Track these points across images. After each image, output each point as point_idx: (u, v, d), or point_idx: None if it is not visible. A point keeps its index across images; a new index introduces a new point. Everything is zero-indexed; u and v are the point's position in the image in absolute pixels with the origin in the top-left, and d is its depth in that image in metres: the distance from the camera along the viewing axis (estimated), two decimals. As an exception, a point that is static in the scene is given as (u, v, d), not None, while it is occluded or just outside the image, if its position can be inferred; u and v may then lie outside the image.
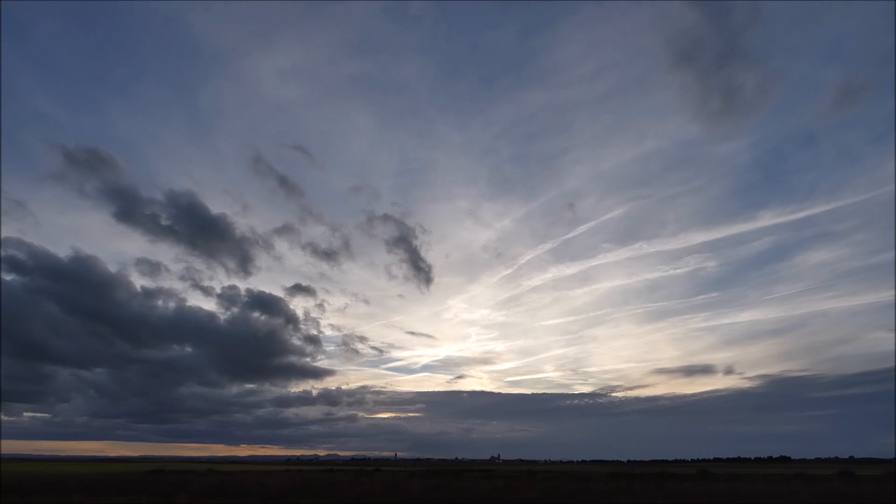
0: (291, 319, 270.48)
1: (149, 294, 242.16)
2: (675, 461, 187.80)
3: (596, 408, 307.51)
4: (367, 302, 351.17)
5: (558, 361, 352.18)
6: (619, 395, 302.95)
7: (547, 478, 47.99)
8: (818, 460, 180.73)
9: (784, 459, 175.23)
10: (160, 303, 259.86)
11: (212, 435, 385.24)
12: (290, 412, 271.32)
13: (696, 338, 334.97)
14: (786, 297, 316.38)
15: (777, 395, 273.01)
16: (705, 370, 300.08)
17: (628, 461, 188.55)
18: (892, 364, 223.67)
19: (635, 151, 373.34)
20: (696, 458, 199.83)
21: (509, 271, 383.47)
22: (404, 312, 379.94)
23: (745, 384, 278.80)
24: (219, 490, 28.33)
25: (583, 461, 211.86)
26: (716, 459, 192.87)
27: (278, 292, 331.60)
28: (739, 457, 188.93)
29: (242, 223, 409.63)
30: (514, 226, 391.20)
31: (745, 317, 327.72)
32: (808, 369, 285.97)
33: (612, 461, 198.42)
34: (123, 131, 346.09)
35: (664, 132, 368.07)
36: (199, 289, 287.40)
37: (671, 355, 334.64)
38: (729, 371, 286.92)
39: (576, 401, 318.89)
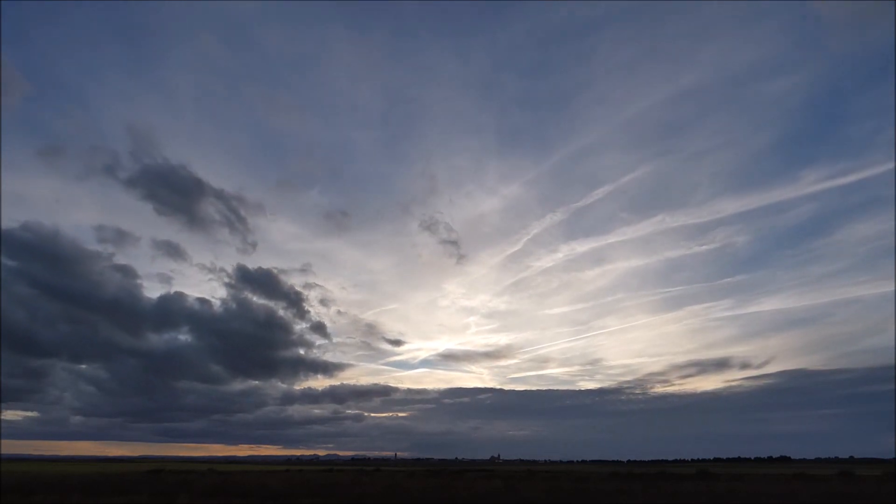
0: (287, 306, 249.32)
1: (127, 273, 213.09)
2: (675, 461, 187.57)
3: (601, 406, 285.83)
4: (361, 286, 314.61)
5: (564, 356, 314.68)
6: (627, 392, 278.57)
7: (547, 478, 47.97)
8: (818, 460, 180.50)
9: (784, 459, 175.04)
10: (142, 283, 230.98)
11: (211, 435, 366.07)
12: (291, 412, 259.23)
13: (714, 328, 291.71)
14: (818, 279, 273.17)
15: (782, 393, 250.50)
16: (720, 365, 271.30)
17: (628, 461, 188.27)
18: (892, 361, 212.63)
19: (668, 89, 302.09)
20: (695, 458, 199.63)
21: (514, 249, 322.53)
22: (400, 300, 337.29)
23: (751, 383, 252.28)
24: (219, 490, 28.31)
25: (583, 461, 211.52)
26: (716, 459, 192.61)
27: (269, 271, 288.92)
28: (739, 457, 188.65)
29: (220, 182, 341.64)
30: (522, 191, 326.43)
31: (772, 304, 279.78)
32: (825, 366, 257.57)
33: (613, 461, 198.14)
34: (48, 63, 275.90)
35: (706, 60, 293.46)
36: (179, 265, 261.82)
37: (685, 348, 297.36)
38: (745, 366, 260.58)
39: (580, 399, 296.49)
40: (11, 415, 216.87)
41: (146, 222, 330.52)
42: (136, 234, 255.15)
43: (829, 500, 24.52)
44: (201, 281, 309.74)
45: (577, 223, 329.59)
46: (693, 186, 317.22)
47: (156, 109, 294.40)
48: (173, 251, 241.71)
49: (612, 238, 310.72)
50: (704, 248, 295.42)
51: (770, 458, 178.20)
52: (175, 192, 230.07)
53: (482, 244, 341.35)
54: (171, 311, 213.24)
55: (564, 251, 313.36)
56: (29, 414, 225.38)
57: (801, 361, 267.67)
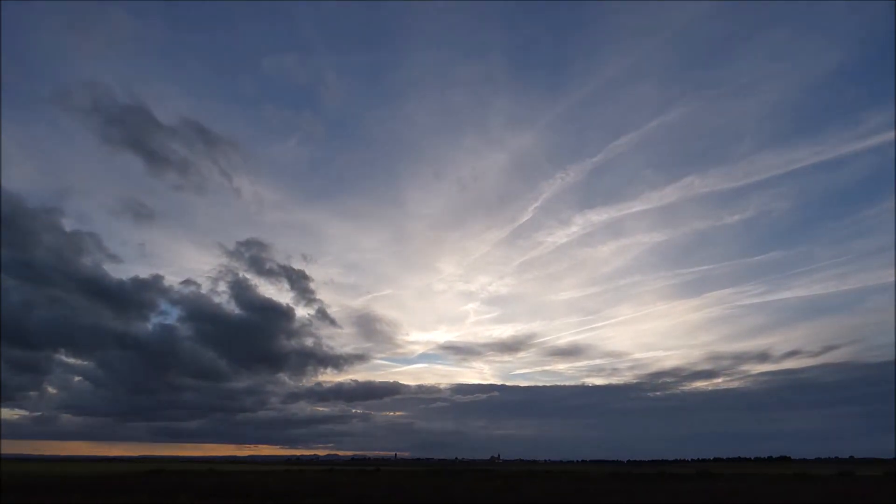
0: (286, 290, 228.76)
1: (94, 244, 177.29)
2: (675, 461, 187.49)
3: (604, 405, 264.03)
4: (352, 268, 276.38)
5: (570, 349, 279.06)
6: (635, 391, 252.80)
7: (547, 478, 47.98)
8: (818, 460, 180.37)
9: (784, 459, 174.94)
10: (109, 252, 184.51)
11: (211, 435, 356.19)
12: (291, 411, 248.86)
13: (738, 317, 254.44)
14: (858, 258, 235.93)
15: (793, 391, 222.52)
16: (738, 359, 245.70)
17: (628, 461, 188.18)
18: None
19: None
20: (695, 458, 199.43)
21: (521, 220, 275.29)
22: (393, 283, 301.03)
23: (766, 379, 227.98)
24: (219, 490, 28.31)
25: (583, 461, 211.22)
26: (716, 459, 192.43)
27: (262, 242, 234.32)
28: (739, 457, 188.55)
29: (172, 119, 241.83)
30: (533, 141, 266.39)
31: (803, 289, 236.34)
32: (847, 359, 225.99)
33: (612, 461, 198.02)
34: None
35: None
36: (146, 230, 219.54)
37: (702, 341, 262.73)
38: (763, 359, 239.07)
39: (583, 399, 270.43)
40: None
41: (91, 169, 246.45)
42: (81, 188, 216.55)
43: (829, 500, 24.50)
44: (178, 254, 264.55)
45: (593, 185, 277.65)
46: (733, 135, 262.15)
47: (73, 19, 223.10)
48: (137, 210, 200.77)
49: (633, 205, 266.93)
50: (737, 217, 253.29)
51: (770, 458, 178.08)
52: (127, 128, 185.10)
53: (483, 214, 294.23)
54: (149, 294, 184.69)
55: (579, 223, 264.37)
56: (21, 412, 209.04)
57: (822, 358, 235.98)
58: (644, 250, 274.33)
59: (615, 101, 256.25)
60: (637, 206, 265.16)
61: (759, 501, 23.58)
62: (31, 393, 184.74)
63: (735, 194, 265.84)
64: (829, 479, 43.88)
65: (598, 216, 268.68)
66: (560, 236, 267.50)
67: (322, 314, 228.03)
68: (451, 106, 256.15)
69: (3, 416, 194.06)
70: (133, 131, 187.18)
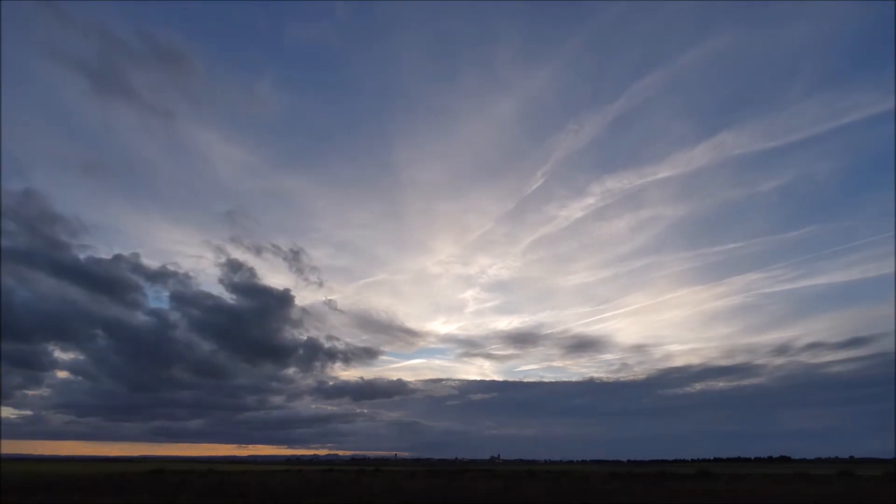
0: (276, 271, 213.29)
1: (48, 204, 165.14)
2: (675, 461, 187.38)
3: (611, 403, 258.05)
4: (343, 249, 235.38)
5: (577, 343, 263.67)
6: (642, 385, 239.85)
7: (547, 478, 47.94)
8: (818, 460, 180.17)
9: (784, 459, 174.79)
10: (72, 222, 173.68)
11: (211, 435, 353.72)
12: (288, 412, 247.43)
13: (760, 307, 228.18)
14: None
15: (806, 388, 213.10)
16: (753, 354, 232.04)
17: (628, 461, 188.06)
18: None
19: None
20: (695, 457, 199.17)
21: (529, 189, 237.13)
22: (387, 266, 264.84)
23: (772, 376, 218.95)
24: (219, 490, 28.32)
25: (583, 461, 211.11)
26: (716, 459, 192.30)
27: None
28: (739, 457, 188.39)
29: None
30: (545, 82, 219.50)
31: (840, 273, 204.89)
32: (865, 353, 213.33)
33: (612, 461, 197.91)
34: None
35: None
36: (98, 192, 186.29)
37: (719, 333, 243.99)
38: (781, 352, 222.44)
39: (588, 398, 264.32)
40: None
41: (21, 104, 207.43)
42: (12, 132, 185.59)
43: (829, 500, 24.48)
44: (143, 227, 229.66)
45: (612, 142, 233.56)
46: (780, 74, 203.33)
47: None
48: (88, 166, 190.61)
49: (658, 170, 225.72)
50: (773, 183, 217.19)
51: (770, 458, 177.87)
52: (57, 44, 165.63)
53: (485, 178, 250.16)
54: (127, 275, 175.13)
55: (596, 193, 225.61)
56: (17, 412, 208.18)
57: (845, 352, 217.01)
58: (666, 226, 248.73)
59: (642, 24, 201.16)
60: (662, 172, 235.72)
61: (759, 501, 23.57)
62: (29, 393, 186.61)
63: (774, 155, 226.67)
64: (829, 479, 43.85)
65: (618, 183, 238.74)
66: (574, 209, 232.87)
67: (325, 302, 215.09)
68: (449, 34, 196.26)
69: (0, 416, 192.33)
70: (67, 48, 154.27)
